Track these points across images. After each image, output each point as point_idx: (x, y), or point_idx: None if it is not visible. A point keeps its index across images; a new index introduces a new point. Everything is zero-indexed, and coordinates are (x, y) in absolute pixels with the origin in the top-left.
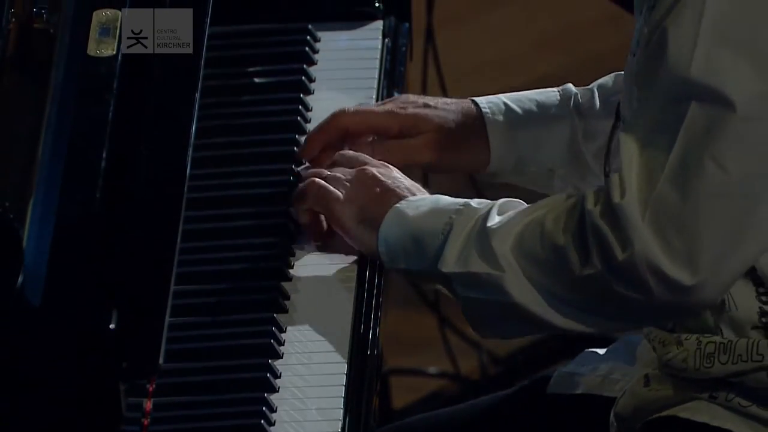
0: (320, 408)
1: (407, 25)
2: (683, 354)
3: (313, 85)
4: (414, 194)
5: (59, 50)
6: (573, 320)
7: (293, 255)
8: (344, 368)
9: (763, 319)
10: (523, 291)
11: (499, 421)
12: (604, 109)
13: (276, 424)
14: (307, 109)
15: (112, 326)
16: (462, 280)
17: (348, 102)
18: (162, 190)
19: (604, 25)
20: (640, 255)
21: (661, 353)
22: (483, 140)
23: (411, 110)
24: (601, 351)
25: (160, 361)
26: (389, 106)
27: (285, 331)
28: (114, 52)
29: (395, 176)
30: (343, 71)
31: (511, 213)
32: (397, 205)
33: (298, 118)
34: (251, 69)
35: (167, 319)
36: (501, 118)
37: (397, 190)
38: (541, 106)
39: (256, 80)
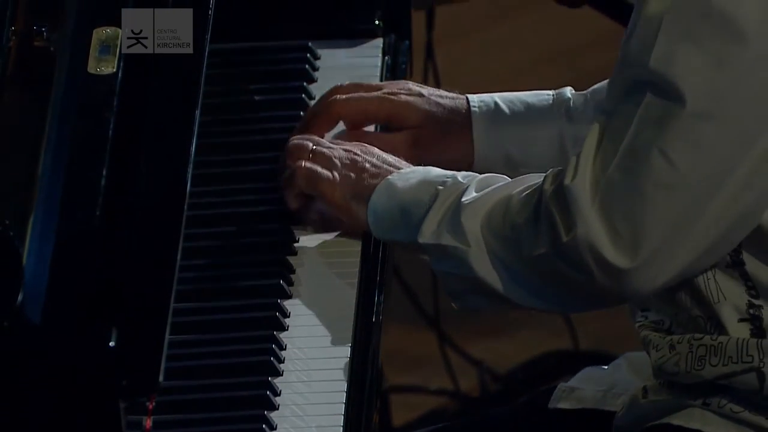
0: (320, 426)
1: (407, 42)
2: (675, 357)
3: (313, 103)
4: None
5: (59, 68)
6: (531, 298)
7: (293, 272)
8: (344, 386)
9: (750, 311)
10: (485, 267)
11: None
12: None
13: None
14: None
15: (111, 344)
16: (434, 251)
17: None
18: (162, 208)
19: (605, 41)
20: (582, 237)
21: (654, 357)
22: (467, 136)
23: (403, 98)
24: (604, 367)
25: (160, 378)
26: (385, 90)
27: (285, 349)
28: (114, 70)
29: (382, 154)
30: None
31: (488, 189)
32: (389, 177)
33: None
34: (252, 86)
35: (167, 336)
36: (487, 115)
37: (386, 165)
38: (529, 107)
39: (257, 98)
